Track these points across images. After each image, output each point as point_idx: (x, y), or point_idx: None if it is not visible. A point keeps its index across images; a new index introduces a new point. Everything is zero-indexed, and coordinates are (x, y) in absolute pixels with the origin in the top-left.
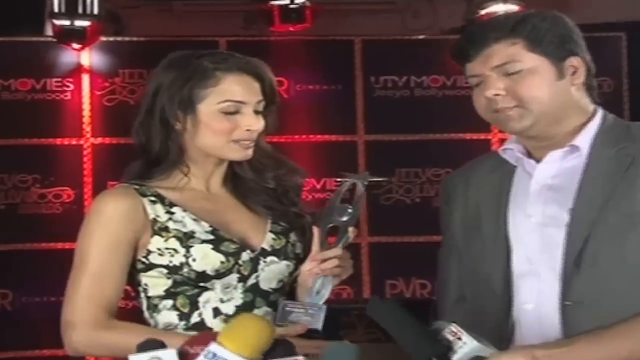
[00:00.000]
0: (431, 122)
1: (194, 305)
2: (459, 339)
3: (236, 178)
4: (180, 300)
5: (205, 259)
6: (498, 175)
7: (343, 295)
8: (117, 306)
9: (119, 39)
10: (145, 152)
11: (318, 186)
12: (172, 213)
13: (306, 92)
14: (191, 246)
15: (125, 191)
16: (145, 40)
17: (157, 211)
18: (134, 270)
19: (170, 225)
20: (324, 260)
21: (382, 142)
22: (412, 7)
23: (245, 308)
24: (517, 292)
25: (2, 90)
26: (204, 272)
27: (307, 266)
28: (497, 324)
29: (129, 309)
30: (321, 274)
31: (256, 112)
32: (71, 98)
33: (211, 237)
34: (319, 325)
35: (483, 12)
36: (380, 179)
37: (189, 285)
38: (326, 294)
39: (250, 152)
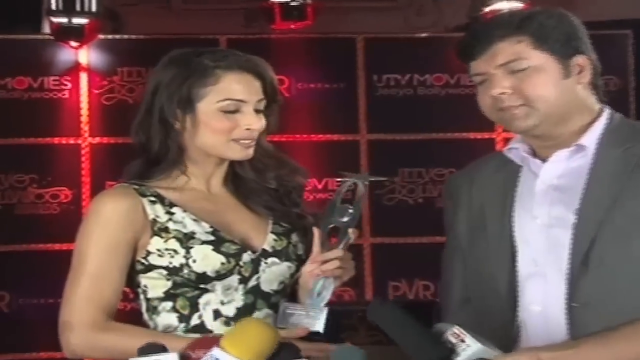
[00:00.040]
0: (434, 121)
1: (194, 307)
2: (462, 341)
3: (237, 178)
4: (180, 302)
5: (206, 260)
6: (503, 175)
7: (345, 297)
8: (115, 308)
9: (117, 36)
10: (144, 151)
11: (320, 186)
12: (172, 213)
13: (307, 91)
14: (191, 247)
15: (124, 191)
16: (144, 38)
17: (157, 211)
18: (133, 271)
19: (170, 225)
20: (325, 262)
21: (385, 141)
22: (416, 4)
23: (246, 310)
24: (523, 294)
25: None
26: (204, 273)
27: (308, 267)
28: (502, 326)
29: (128, 310)
30: (322, 275)
31: (257, 111)
32: (69, 97)
33: (212, 237)
34: (320, 327)
35: (487, 9)
36: (381, 179)
37: (189, 287)
38: (327, 295)
39: (251, 151)
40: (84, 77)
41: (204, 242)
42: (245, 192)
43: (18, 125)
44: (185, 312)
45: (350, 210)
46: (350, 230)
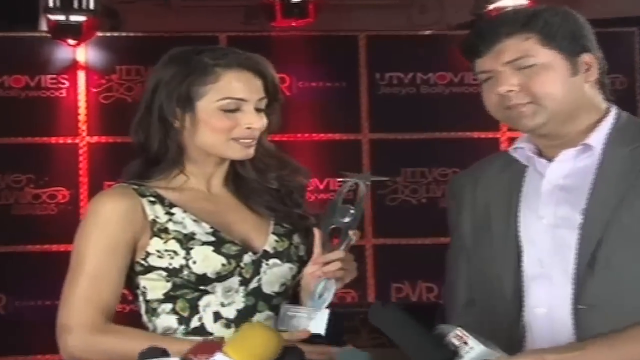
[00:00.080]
0: (438, 120)
1: (194, 309)
2: (465, 343)
3: (238, 178)
4: (179, 304)
5: (206, 261)
6: (508, 175)
7: (347, 299)
8: (114, 310)
9: (115, 34)
10: (144, 151)
11: (321, 186)
12: (172, 214)
13: (309, 90)
14: (191, 248)
15: (123, 191)
16: (142, 35)
17: (157, 212)
18: (132, 272)
19: (170, 226)
20: (327, 263)
21: (387, 140)
22: (419, 1)
23: (246, 312)
24: (528, 295)
25: None
26: (204, 274)
27: (309, 269)
28: (507, 328)
29: (126, 313)
30: (323, 277)
31: (258, 110)
32: (66, 95)
33: (212, 238)
34: (321, 330)
35: (491, 6)
36: (384, 179)
37: (189, 289)
38: (329, 297)
39: (251, 151)
40: (81, 76)
41: (204, 243)
42: (246, 192)
43: (15, 124)
44: (185, 314)
45: (352, 211)
46: (350, 232)
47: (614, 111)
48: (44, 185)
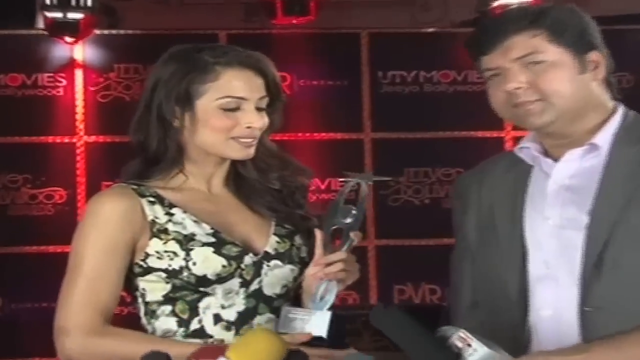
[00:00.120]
0: (441, 120)
1: (194, 311)
2: (469, 345)
3: (239, 178)
4: (179, 306)
5: (206, 262)
6: (513, 175)
7: (349, 301)
8: (113, 311)
9: (113, 32)
10: (143, 150)
11: (323, 187)
12: (172, 214)
13: (310, 88)
14: (191, 249)
15: (122, 191)
16: (141, 33)
17: (156, 212)
18: (131, 274)
19: (170, 227)
20: (328, 264)
21: (390, 140)
22: None
23: (247, 314)
24: (534, 297)
25: None
26: (204, 276)
27: (310, 270)
28: (512, 330)
29: (124, 315)
30: (325, 278)
31: (258, 109)
32: (64, 94)
33: (212, 239)
34: (323, 332)
35: (496, 4)
36: (386, 179)
37: (188, 290)
38: (330, 299)
39: (252, 151)
40: (79, 74)
41: (204, 244)
42: (247, 192)
43: (11, 123)
44: (185, 316)
45: (354, 212)
46: (352, 234)
47: (621, 110)
48: (40, 185)
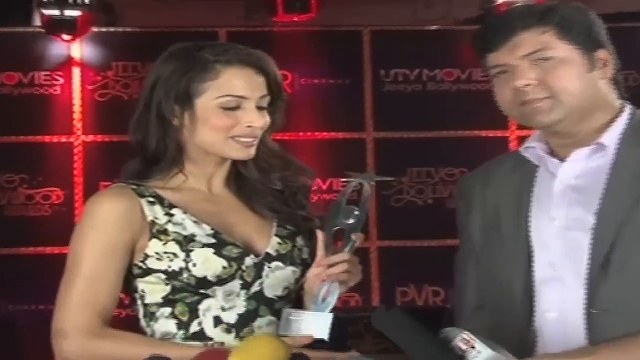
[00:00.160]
0: (445, 119)
1: (194, 314)
2: (473, 347)
3: (240, 178)
4: (179, 308)
5: (206, 263)
6: (519, 176)
7: (351, 303)
8: (111, 313)
9: (111, 29)
10: (142, 149)
11: (324, 187)
12: (172, 215)
13: (311, 87)
14: (191, 250)
15: (121, 191)
16: (139, 31)
17: (156, 213)
18: (130, 275)
19: (170, 227)
20: (331, 266)
21: (393, 139)
22: None
23: (248, 317)
24: (539, 299)
25: None
26: (204, 277)
27: (312, 272)
28: (517, 333)
29: (122, 317)
30: (327, 279)
31: (259, 108)
32: (61, 93)
33: (213, 240)
34: (325, 335)
35: (500, 0)
36: (389, 179)
37: (188, 292)
38: (332, 301)
39: (252, 151)
40: (76, 72)
41: (204, 245)
42: (248, 192)
43: (7, 122)
44: (185, 318)
45: (356, 212)
46: (353, 236)
47: (628, 109)
48: (37, 185)
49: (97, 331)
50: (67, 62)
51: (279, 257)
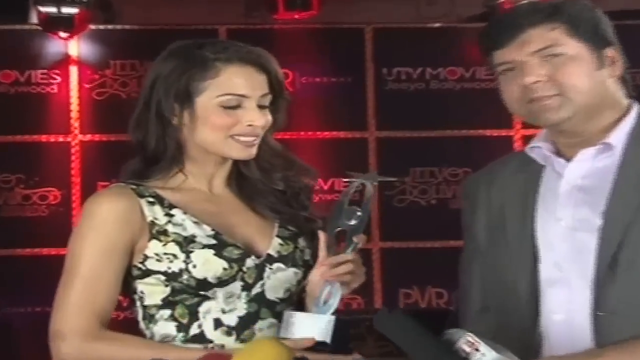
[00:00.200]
0: (448, 118)
1: (194, 316)
2: (477, 349)
3: (242, 178)
4: (178, 310)
5: (207, 265)
6: (524, 176)
7: (353, 305)
8: (110, 315)
9: (109, 27)
10: (142, 149)
11: (326, 187)
12: (172, 215)
13: (313, 85)
14: (191, 251)
15: (121, 191)
16: (138, 29)
17: (156, 213)
18: (129, 276)
19: (170, 228)
20: (334, 266)
21: (395, 139)
22: None
23: (249, 319)
24: (545, 301)
25: None
26: (205, 279)
27: (315, 273)
28: (523, 334)
29: (120, 320)
30: (331, 280)
31: (261, 107)
32: (58, 91)
33: (213, 241)
34: (327, 337)
35: None
36: (391, 179)
37: (188, 294)
38: (334, 303)
39: (253, 150)
40: (74, 71)
41: (205, 246)
42: (250, 193)
43: (4, 121)
44: (184, 320)
45: (359, 213)
46: (355, 238)
47: (636, 108)
48: (34, 185)
49: (95, 333)
50: (65, 61)
51: (281, 258)
